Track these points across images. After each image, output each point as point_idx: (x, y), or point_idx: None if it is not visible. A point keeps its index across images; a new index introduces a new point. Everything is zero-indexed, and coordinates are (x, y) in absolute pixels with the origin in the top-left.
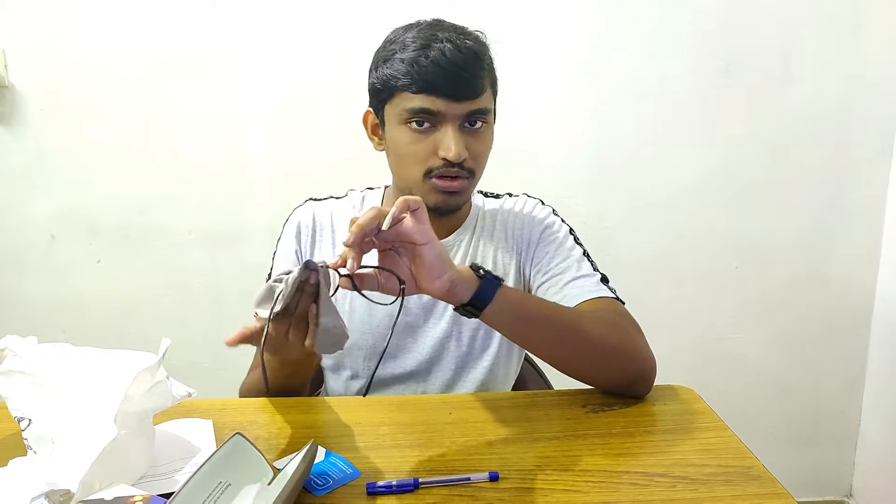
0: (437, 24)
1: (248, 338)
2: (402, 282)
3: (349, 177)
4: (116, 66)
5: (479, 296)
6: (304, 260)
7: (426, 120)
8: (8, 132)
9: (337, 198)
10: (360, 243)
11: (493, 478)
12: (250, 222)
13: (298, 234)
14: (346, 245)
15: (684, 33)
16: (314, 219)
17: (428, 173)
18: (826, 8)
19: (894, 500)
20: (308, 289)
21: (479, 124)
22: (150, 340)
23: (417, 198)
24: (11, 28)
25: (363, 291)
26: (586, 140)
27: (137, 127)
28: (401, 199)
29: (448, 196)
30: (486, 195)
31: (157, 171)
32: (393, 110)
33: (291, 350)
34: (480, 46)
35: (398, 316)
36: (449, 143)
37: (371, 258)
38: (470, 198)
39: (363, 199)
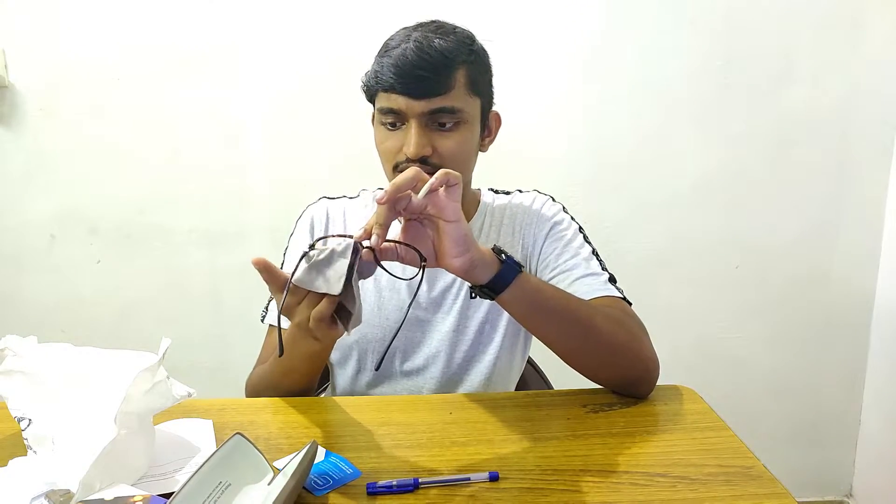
0: (422, 26)
1: (269, 269)
2: (423, 258)
3: (349, 176)
4: (116, 66)
5: (499, 279)
6: (349, 242)
7: (395, 118)
8: (8, 132)
9: (350, 197)
10: (393, 204)
11: (493, 478)
12: (250, 222)
13: (312, 228)
14: (379, 203)
15: (684, 33)
16: (327, 214)
17: (395, 169)
18: (826, 8)
19: (894, 500)
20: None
21: (449, 123)
22: (150, 340)
23: (457, 174)
24: (11, 28)
25: (383, 263)
26: (586, 140)
27: (137, 127)
28: (442, 171)
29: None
30: (496, 192)
31: (157, 171)
32: (375, 110)
33: (297, 316)
34: (455, 46)
35: (417, 290)
36: (410, 139)
37: (393, 232)
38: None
39: (374, 198)
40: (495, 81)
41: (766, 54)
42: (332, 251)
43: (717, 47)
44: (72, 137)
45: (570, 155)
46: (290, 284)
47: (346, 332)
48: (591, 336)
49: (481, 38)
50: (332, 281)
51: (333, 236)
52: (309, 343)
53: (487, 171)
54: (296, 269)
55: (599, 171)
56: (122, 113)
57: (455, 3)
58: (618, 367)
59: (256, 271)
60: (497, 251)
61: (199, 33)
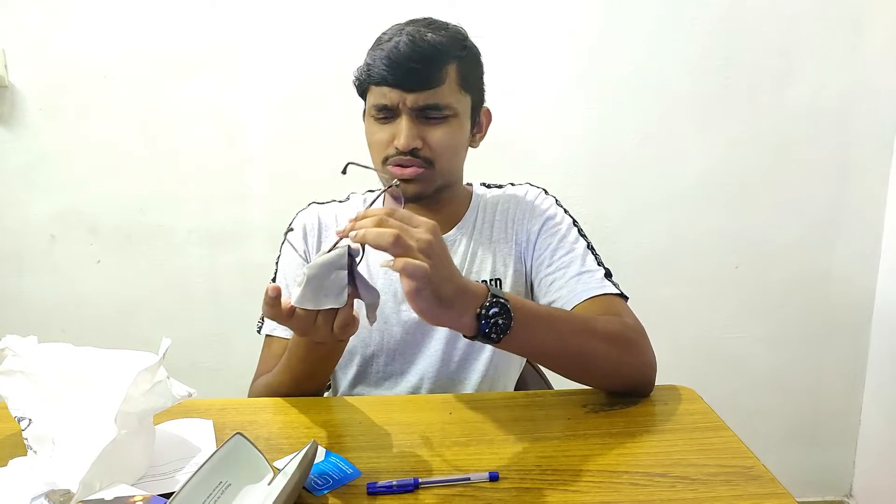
0: (414, 21)
1: (278, 301)
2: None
3: (349, 176)
4: (116, 66)
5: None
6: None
7: (385, 112)
8: (8, 132)
9: (340, 201)
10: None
11: (493, 478)
12: (250, 222)
13: (305, 235)
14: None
15: (684, 33)
16: (319, 220)
17: (385, 161)
18: (826, 8)
19: (894, 501)
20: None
21: (439, 118)
22: (150, 340)
23: (420, 263)
24: (11, 28)
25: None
26: (586, 139)
27: (137, 127)
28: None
29: (404, 183)
30: (488, 186)
31: (157, 171)
32: (366, 105)
33: (319, 333)
34: (447, 41)
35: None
36: (400, 132)
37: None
38: (432, 188)
39: (364, 201)
40: (495, 80)
41: (766, 54)
42: (327, 264)
43: (717, 47)
44: (72, 137)
45: (570, 155)
46: (299, 310)
47: (372, 321)
48: (588, 363)
49: (480, 35)
50: (336, 293)
51: (329, 252)
52: (335, 346)
53: (487, 170)
54: (299, 295)
55: (599, 171)
56: (122, 113)
57: (456, 2)
58: (617, 381)
59: (256, 275)
60: (480, 315)
61: (200, 34)
